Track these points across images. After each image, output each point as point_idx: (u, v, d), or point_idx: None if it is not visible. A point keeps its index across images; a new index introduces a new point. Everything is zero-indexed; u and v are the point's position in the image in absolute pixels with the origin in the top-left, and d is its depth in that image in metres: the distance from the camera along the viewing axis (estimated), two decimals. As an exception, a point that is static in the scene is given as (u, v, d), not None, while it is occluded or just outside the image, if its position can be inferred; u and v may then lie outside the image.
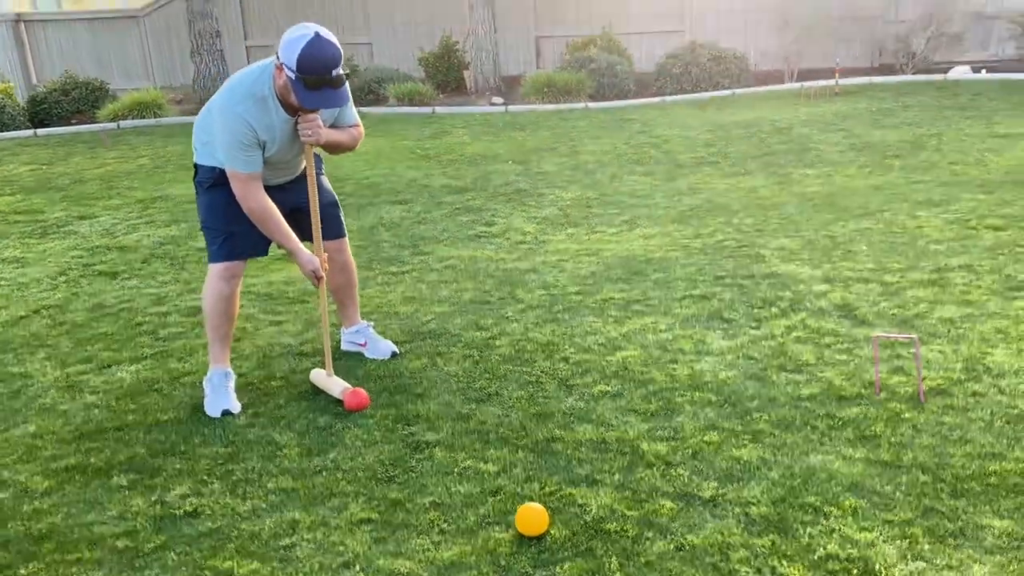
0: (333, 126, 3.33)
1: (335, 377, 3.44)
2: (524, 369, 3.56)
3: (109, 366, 3.89)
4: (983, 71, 12.18)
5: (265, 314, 4.46)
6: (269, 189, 3.31)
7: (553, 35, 14.96)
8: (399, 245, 5.63)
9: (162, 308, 4.65)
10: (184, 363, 3.87)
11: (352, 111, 3.44)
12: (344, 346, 3.88)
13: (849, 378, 3.27)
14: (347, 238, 3.75)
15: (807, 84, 11.89)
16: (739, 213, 5.86)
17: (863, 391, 3.16)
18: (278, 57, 3.03)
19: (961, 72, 12.08)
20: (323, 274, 3.35)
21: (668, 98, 12.07)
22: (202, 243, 5.84)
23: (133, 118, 12.07)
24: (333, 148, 3.39)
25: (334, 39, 3.03)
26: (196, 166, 3.42)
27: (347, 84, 3.14)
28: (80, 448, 3.11)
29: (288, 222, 3.36)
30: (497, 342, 3.87)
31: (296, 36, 3.00)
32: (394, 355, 3.77)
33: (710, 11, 14.18)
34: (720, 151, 8.19)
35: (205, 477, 2.86)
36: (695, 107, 11.22)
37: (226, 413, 3.30)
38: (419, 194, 7.09)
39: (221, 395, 3.37)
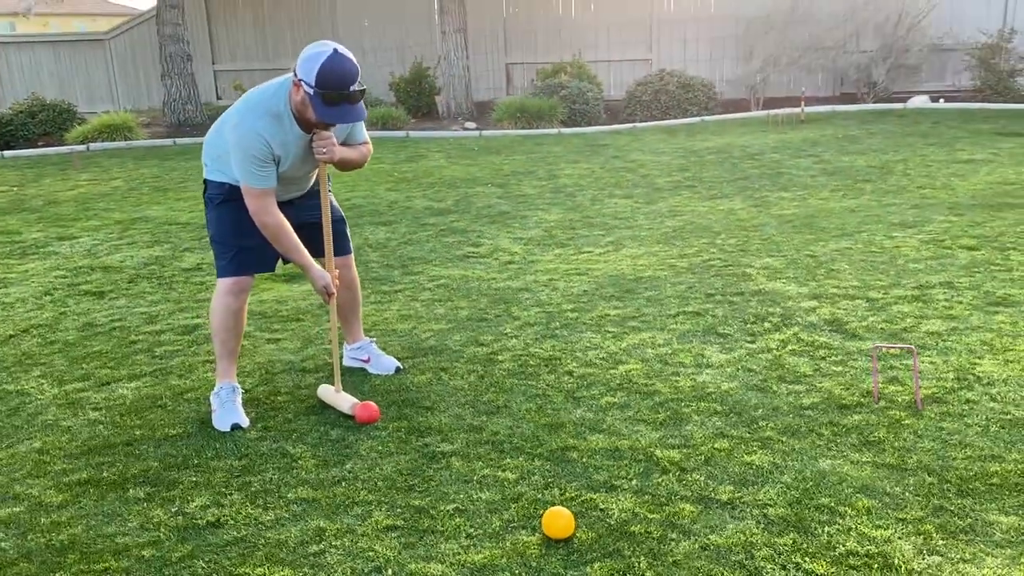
0: (344, 143, 3.38)
1: (343, 393, 3.47)
2: (530, 383, 3.62)
3: (108, 383, 3.86)
4: (941, 100, 12.65)
5: (261, 332, 4.46)
6: (279, 205, 3.34)
7: (523, 62, 15.20)
8: (388, 265, 5.67)
9: (155, 327, 4.62)
10: (185, 380, 3.86)
11: (363, 128, 3.50)
12: (347, 362, 3.90)
13: (847, 388, 3.38)
14: (353, 255, 3.79)
15: (773, 112, 12.22)
16: (721, 234, 6.01)
17: (862, 400, 3.27)
18: (295, 74, 3.08)
19: (920, 101, 12.52)
20: (334, 290, 3.38)
21: (639, 124, 12.31)
22: (189, 264, 5.88)
23: (103, 140, 11.96)
24: (344, 165, 3.43)
25: (351, 56, 3.10)
26: (206, 182, 3.44)
27: (363, 100, 3.20)
28: (91, 462, 3.09)
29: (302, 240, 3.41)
30: (499, 357, 3.92)
31: (315, 52, 3.05)
32: (398, 370, 3.81)
33: (677, 40, 14.54)
34: (695, 175, 8.38)
35: (223, 489, 2.86)
36: (666, 133, 11.46)
37: (235, 427, 3.30)
38: (402, 216, 7.14)
39: (230, 409, 3.37)
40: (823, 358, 3.70)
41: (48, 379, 3.95)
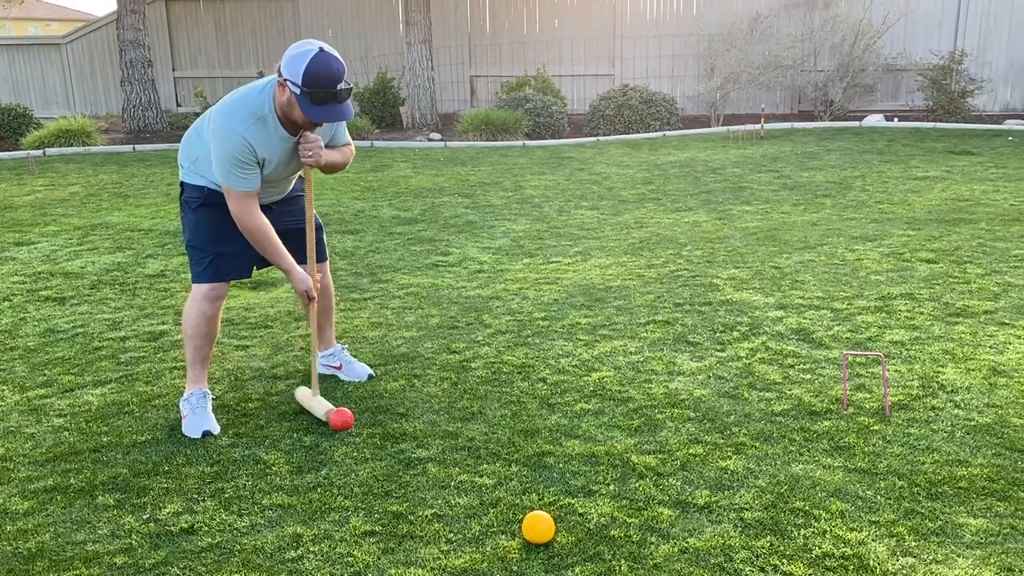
0: (328, 145, 3.34)
1: (320, 397, 3.44)
2: (504, 390, 3.62)
3: (72, 390, 3.77)
4: (895, 119, 12.97)
5: (229, 339, 4.40)
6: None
7: (488, 75, 15.26)
8: (356, 273, 5.64)
9: (119, 333, 4.53)
10: (152, 386, 3.79)
11: (345, 129, 3.48)
12: (319, 369, 3.85)
13: (817, 395, 3.44)
14: (328, 261, 3.76)
15: (734, 128, 12.42)
16: (687, 246, 6.08)
17: (832, 407, 3.33)
18: (280, 74, 3.04)
19: (875, 120, 12.83)
20: (315, 294, 3.36)
21: (602, 138, 12.42)
22: (152, 270, 5.78)
23: (60, 146, 11.73)
24: (328, 168, 3.40)
25: (337, 54, 3.06)
26: (183, 185, 3.37)
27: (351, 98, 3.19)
28: (57, 469, 3.01)
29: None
30: (472, 364, 3.92)
31: (300, 52, 3.00)
32: (371, 377, 3.78)
33: (640, 57, 14.72)
34: (660, 188, 8.48)
35: (195, 495, 2.81)
36: (629, 147, 11.58)
37: (207, 434, 3.25)
38: (369, 225, 7.11)
39: (201, 416, 3.31)
40: (792, 366, 3.76)
41: (9, 385, 3.85)
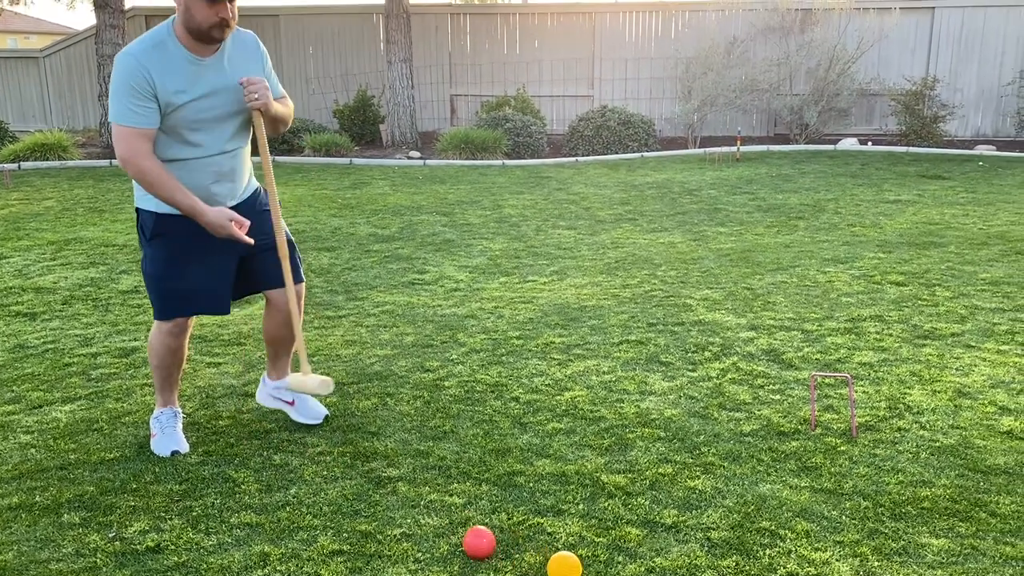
0: None
1: (312, 375, 3.23)
2: (476, 408, 3.63)
3: (40, 406, 3.74)
4: (869, 143, 13.17)
5: (201, 355, 4.38)
6: (213, 241, 3.00)
7: (468, 94, 15.33)
8: (332, 291, 5.63)
9: (91, 349, 4.50)
10: (122, 403, 3.76)
11: (277, 82, 3.24)
12: (265, 400, 3.56)
13: (785, 415, 3.48)
14: (304, 284, 3.41)
15: (710, 150, 12.56)
16: (662, 266, 6.13)
17: (799, 427, 3.37)
18: None
19: (849, 143, 13.02)
20: (239, 231, 2.97)
21: (581, 159, 12.51)
22: (126, 286, 5.75)
23: (35, 160, 11.64)
24: (274, 123, 3.09)
25: None
26: (137, 211, 3.12)
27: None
28: (21, 487, 2.98)
29: (240, 273, 3.19)
30: (446, 383, 3.93)
31: None
32: (326, 419, 3.47)
33: (618, 78, 14.86)
34: (636, 209, 8.54)
35: (163, 514, 2.79)
36: (607, 168, 11.66)
37: (175, 453, 3.23)
38: (345, 242, 7.11)
39: (170, 435, 3.29)
40: (761, 386, 3.80)
41: (-24, 401, 3.81)
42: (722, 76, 13.32)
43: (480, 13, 16.44)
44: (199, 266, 3.09)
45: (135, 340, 4.63)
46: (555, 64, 14.92)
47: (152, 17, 15.93)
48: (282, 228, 3.19)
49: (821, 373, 3.32)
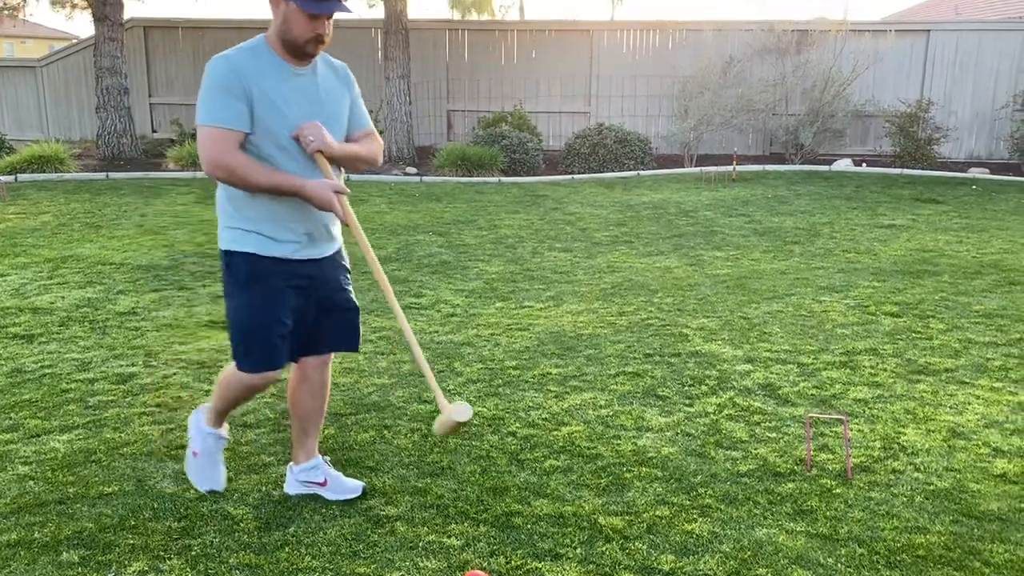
0: (350, 136, 2.97)
1: (455, 404, 2.87)
2: (473, 443, 3.64)
3: (38, 435, 3.74)
4: (863, 164, 13.24)
5: (200, 383, 4.39)
6: (286, 287, 2.85)
7: (465, 109, 15.39)
8: (329, 314, 5.64)
9: (88, 375, 4.50)
10: (120, 433, 3.76)
11: (364, 110, 3.03)
12: (293, 488, 3.20)
13: (781, 455, 3.50)
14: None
15: (707, 169, 12.61)
16: (659, 292, 6.17)
17: (795, 467, 3.39)
18: (272, 4, 2.76)
19: (844, 164, 13.09)
20: (343, 202, 2.83)
21: (577, 176, 12.55)
22: (123, 307, 5.76)
23: (32, 172, 11.63)
24: (350, 162, 2.94)
25: None
26: (226, 254, 2.88)
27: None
28: (20, 522, 2.99)
29: (302, 332, 2.96)
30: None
31: None
32: (364, 491, 3.18)
33: (615, 96, 14.92)
34: (632, 231, 8.58)
35: (162, 552, 2.80)
36: (603, 186, 11.71)
37: (212, 492, 3.15)
38: (343, 262, 7.11)
39: (212, 467, 3.16)
40: (758, 423, 3.83)
41: (-27, 429, 3.81)
42: (718, 96, 13.39)
43: (478, 29, 16.51)
44: (291, 314, 2.91)
45: (132, 366, 4.63)
46: (552, 81, 14.98)
47: (151, 28, 15.97)
48: (371, 251, 3.00)
49: (816, 414, 3.35)
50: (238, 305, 2.91)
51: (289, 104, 2.76)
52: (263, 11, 15.59)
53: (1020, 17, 20.26)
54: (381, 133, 14.01)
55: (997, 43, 13.84)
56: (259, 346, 2.89)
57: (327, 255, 3.03)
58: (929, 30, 14.07)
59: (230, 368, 3.03)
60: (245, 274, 2.86)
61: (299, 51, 2.78)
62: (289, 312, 2.89)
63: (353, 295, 3.12)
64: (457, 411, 2.83)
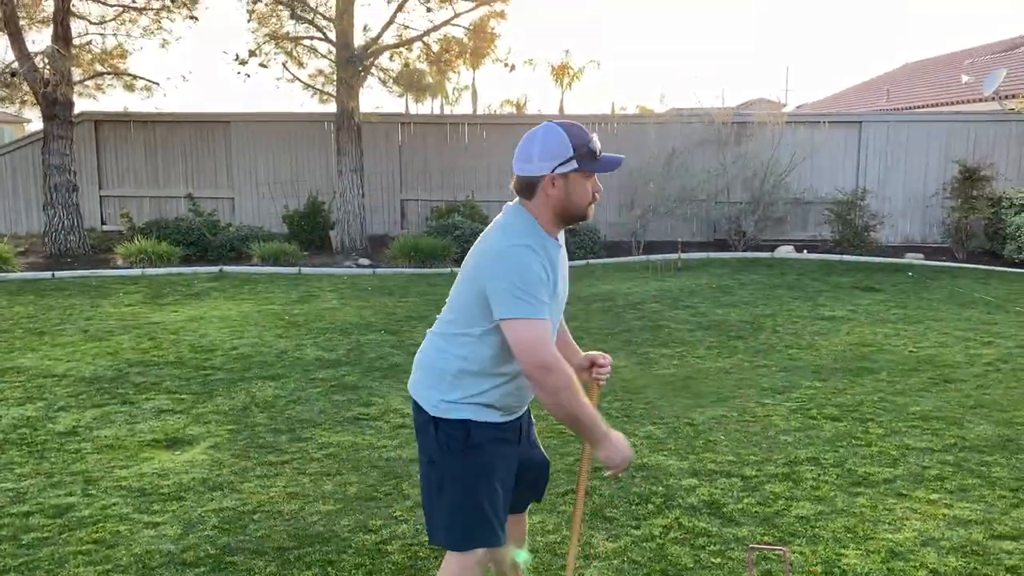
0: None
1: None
2: (419, 578, 3.61)
3: (-33, 582, 3.62)
4: (805, 251, 13.65)
5: (139, 513, 4.30)
6: (503, 442, 2.64)
7: (418, 199, 15.60)
8: (275, 429, 5.59)
9: (23, 507, 4.38)
10: (54, 576, 3.66)
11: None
12: None
13: (725, 583, 3.54)
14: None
15: (654, 257, 12.90)
16: (607, 396, 6.23)
17: (739, 597, 3.42)
18: (542, 177, 2.55)
19: (786, 251, 13.49)
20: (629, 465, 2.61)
21: (528, 267, 12.71)
22: (63, 426, 5.63)
23: (-27, 271, 11.45)
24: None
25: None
26: (435, 421, 2.60)
27: None
28: None
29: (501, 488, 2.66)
30: (388, 547, 3.91)
31: (547, 136, 2.55)
32: None
33: (564, 185, 15.22)
34: (582, 326, 8.69)
35: None
36: (554, 277, 11.86)
37: None
38: (292, 368, 7.09)
39: None
40: (703, 547, 3.86)
41: (-102, 577, 3.67)
42: (662, 187, 13.80)
43: (429, 123, 16.85)
44: (505, 483, 2.65)
45: (70, 496, 4.52)
46: (504, 171, 15.28)
47: (102, 123, 16.00)
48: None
49: (758, 545, 3.40)
50: (452, 476, 2.59)
51: (561, 277, 2.63)
52: (214, 106, 15.77)
53: (947, 103, 21.37)
54: (334, 225, 14.11)
55: (924, 134, 14.53)
56: (481, 518, 2.57)
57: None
58: (861, 122, 14.74)
59: (446, 568, 2.64)
60: (464, 441, 2.57)
61: (579, 217, 2.62)
62: (507, 479, 2.67)
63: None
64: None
